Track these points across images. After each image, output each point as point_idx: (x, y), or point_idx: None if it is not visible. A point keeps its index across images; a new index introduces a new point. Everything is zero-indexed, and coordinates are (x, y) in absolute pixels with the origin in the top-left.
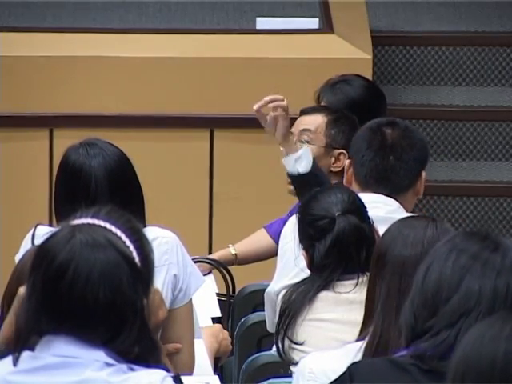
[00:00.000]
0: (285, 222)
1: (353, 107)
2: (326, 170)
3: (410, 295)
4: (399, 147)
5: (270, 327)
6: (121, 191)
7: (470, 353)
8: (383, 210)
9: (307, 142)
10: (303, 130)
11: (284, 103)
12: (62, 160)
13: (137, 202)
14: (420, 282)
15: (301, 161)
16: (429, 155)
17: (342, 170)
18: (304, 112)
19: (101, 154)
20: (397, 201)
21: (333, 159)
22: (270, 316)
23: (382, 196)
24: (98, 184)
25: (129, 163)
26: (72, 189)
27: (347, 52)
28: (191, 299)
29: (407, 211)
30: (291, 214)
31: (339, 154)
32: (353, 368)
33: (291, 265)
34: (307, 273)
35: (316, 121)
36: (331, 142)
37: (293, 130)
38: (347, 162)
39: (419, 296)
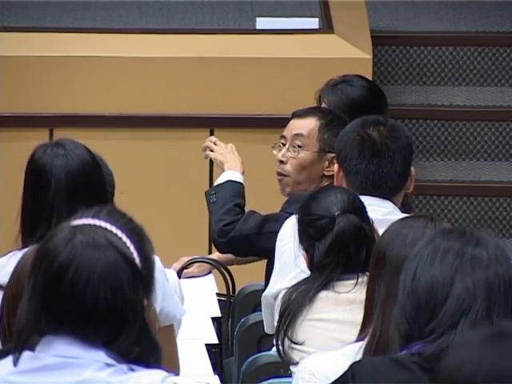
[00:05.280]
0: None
1: (353, 108)
2: (320, 174)
3: (398, 301)
4: (390, 151)
5: (268, 330)
6: (81, 193)
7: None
8: (379, 213)
9: (300, 146)
10: (296, 134)
11: (208, 143)
12: (30, 157)
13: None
14: (409, 288)
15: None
16: (413, 150)
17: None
18: (296, 115)
19: (65, 155)
20: (391, 202)
21: (326, 163)
22: (267, 319)
23: (377, 198)
24: (58, 183)
25: (94, 167)
26: (34, 185)
27: (347, 52)
28: (172, 326)
29: (397, 206)
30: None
31: (333, 157)
32: (354, 367)
33: (290, 266)
34: (307, 273)
35: (309, 125)
36: (324, 146)
37: (285, 133)
38: (336, 166)
39: (411, 302)
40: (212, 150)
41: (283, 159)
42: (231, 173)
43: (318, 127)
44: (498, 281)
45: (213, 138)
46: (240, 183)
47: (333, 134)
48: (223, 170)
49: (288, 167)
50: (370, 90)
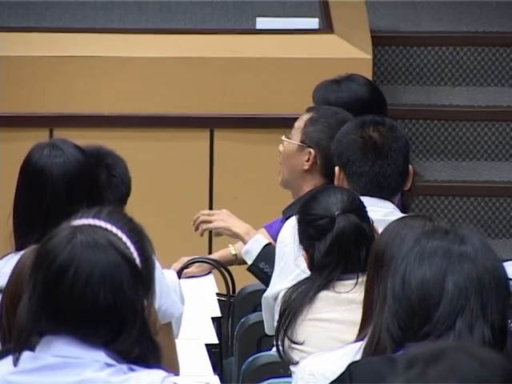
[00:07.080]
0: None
1: (355, 106)
2: (300, 168)
3: (387, 307)
4: (392, 151)
5: (269, 331)
6: (78, 194)
7: None
8: (380, 213)
9: (288, 138)
10: (293, 126)
11: (201, 217)
12: (26, 158)
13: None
14: (399, 293)
15: (249, 255)
16: (410, 148)
17: (312, 167)
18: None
19: (62, 156)
20: (391, 202)
21: (306, 157)
22: (268, 320)
23: (378, 199)
24: (56, 185)
25: (90, 168)
26: (31, 186)
27: (347, 52)
28: (170, 324)
29: (395, 205)
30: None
31: (309, 152)
32: (352, 367)
33: (290, 267)
34: (308, 274)
35: (302, 118)
36: (305, 139)
37: None
38: (336, 168)
39: (402, 306)
40: (209, 222)
41: (280, 149)
42: (255, 237)
43: (306, 120)
44: (487, 275)
45: (204, 212)
46: (269, 242)
47: (316, 129)
48: (231, 235)
49: (280, 157)
50: (372, 89)
